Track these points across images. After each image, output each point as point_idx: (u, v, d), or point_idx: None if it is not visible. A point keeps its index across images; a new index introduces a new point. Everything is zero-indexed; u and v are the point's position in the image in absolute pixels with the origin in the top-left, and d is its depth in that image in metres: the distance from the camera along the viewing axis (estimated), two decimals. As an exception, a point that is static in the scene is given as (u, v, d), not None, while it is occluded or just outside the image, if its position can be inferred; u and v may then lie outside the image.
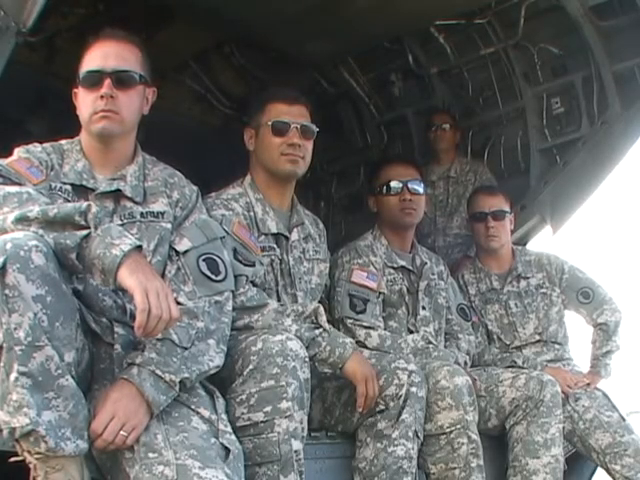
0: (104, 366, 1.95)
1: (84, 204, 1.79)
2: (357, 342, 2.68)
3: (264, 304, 2.38)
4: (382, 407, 2.49)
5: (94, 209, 1.78)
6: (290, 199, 2.70)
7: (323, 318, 2.44)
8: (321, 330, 2.41)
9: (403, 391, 2.48)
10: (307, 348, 2.22)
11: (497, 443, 2.99)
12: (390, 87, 4.87)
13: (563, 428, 2.99)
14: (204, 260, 2.09)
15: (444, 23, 4.32)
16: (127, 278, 1.72)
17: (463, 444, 2.62)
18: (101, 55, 2.11)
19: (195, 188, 2.26)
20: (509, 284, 3.53)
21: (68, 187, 2.06)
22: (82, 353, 1.83)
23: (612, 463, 3.11)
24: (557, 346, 3.49)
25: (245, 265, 2.39)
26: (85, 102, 2.11)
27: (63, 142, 2.18)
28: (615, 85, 3.92)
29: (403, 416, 2.48)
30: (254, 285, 2.43)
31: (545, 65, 4.27)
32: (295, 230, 2.65)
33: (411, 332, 2.99)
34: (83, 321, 1.88)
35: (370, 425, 2.51)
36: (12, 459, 1.78)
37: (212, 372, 1.99)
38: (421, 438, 2.56)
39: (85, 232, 1.74)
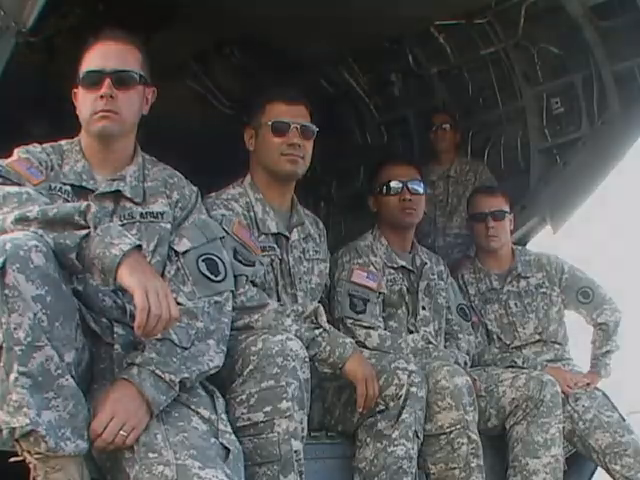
0: (104, 366, 1.95)
1: (83, 204, 1.79)
2: (357, 342, 2.68)
3: (264, 304, 2.38)
4: (382, 407, 2.49)
5: (93, 209, 1.78)
6: (290, 199, 2.70)
7: (323, 318, 2.44)
8: (321, 330, 2.41)
9: (403, 391, 2.48)
10: (307, 348, 2.22)
11: (497, 443, 2.99)
12: (390, 87, 4.87)
13: (563, 428, 2.99)
14: (204, 260, 2.09)
15: (444, 23, 4.32)
16: (127, 278, 1.72)
17: (463, 444, 2.62)
18: (101, 55, 2.12)
19: (195, 188, 2.26)
20: (509, 284, 3.53)
21: (68, 188, 2.06)
22: (82, 353, 1.83)
23: (612, 463, 3.11)
24: (557, 346, 3.49)
25: (245, 265, 2.38)
26: (85, 102, 2.11)
27: (63, 142, 2.18)
28: (615, 85, 3.92)
29: (403, 416, 2.48)
30: (254, 285, 2.43)
31: (545, 65, 4.27)
32: (295, 230, 2.65)
33: (411, 332, 2.99)
34: (83, 321, 1.88)
35: (370, 425, 2.51)
36: (12, 459, 1.78)
37: (212, 372, 1.99)
38: (421, 438, 2.56)
39: (85, 232, 1.74)
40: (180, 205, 2.19)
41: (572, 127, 4.18)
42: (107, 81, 2.07)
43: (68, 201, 2.01)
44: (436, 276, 3.18)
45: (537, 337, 3.47)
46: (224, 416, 1.95)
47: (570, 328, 3.59)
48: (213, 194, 2.56)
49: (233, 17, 3.78)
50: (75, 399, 1.70)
